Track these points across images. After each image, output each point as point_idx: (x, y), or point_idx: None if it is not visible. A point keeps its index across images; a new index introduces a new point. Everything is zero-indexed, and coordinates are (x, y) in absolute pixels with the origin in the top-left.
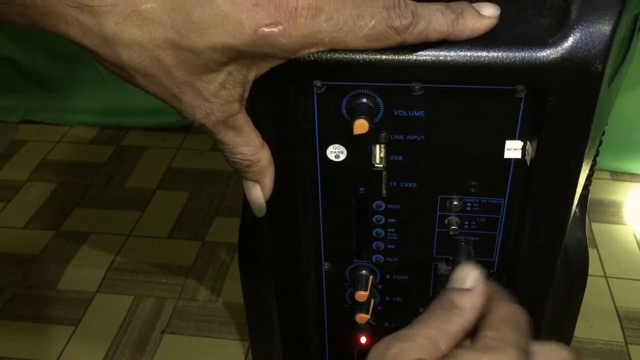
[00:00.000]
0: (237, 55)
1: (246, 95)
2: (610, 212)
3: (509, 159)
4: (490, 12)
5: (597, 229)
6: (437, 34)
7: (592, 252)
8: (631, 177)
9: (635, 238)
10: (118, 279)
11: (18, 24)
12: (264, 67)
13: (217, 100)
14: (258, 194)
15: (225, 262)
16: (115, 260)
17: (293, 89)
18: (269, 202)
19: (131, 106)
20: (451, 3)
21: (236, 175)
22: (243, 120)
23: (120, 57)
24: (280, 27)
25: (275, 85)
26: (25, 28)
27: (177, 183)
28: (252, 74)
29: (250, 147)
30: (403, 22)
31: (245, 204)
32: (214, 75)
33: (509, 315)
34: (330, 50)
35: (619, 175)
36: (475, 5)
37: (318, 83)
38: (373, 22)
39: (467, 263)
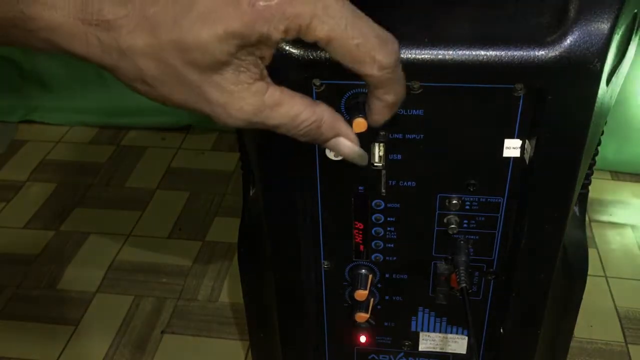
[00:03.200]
0: (240, 43)
1: (266, 73)
2: (610, 212)
3: (508, 158)
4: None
5: (597, 229)
6: (395, 96)
7: (592, 252)
8: (631, 177)
9: (635, 238)
10: (118, 279)
11: (38, 49)
12: (267, 53)
13: (241, 86)
14: (347, 144)
15: (225, 262)
16: (115, 260)
17: (292, 88)
18: (269, 201)
19: (131, 106)
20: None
21: (236, 175)
22: (278, 93)
23: (139, 66)
24: (276, 0)
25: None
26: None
27: (177, 183)
28: (259, 60)
29: (305, 110)
30: (385, 61)
31: (245, 203)
32: (225, 66)
33: None
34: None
35: (619, 175)
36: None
37: (317, 82)
38: (361, 40)
39: None
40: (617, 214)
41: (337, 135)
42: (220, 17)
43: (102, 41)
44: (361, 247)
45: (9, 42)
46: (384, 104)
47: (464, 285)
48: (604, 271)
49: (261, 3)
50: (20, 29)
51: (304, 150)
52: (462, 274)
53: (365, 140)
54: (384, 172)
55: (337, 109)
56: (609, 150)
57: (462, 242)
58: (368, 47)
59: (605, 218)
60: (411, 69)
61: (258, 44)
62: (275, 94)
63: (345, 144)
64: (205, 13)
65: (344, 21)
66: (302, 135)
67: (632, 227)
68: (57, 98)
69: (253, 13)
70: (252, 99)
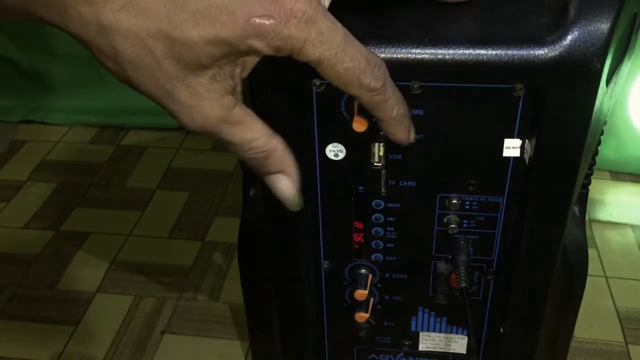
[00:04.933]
0: (228, 50)
1: (239, 89)
2: (610, 212)
3: (508, 158)
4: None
5: (597, 228)
6: (385, 115)
7: (592, 252)
8: (631, 177)
9: (635, 238)
10: (118, 279)
11: (15, 17)
12: (249, 64)
13: (211, 94)
14: (286, 184)
15: (225, 262)
16: (115, 260)
17: (292, 88)
18: (269, 201)
19: (131, 106)
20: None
21: (236, 175)
22: (242, 113)
23: (115, 45)
24: (272, 20)
25: (275, 84)
26: (21, 23)
27: (177, 183)
28: (238, 69)
29: (259, 138)
30: (372, 84)
31: (246, 203)
32: (205, 70)
33: None
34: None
35: (619, 175)
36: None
37: (317, 82)
38: (350, 65)
39: None
40: (617, 214)
41: (281, 172)
42: (213, 24)
43: (83, 14)
44: (361, 246)
45: None
46: (388, 121)
47: (464, 285)
48: (604, 271)
49: (257, 20)
50: None
51: (304, 150)
52: (462, 274)
53: (366, 140)
54: (384, 172)
55: (337, 109)
56: (609, 150)
57: (462, 241)
58: (356, 71)
59: (605, 218)
60: (411, 69)
61: (245, 54)
62: (240, 112)
63: (283, 184)
64: (198, 15)
65: (335, 46)
66: (248, 160)
67: (632, 227)
68: (57, 98)
69: (247, 27)
70: (219, 110)
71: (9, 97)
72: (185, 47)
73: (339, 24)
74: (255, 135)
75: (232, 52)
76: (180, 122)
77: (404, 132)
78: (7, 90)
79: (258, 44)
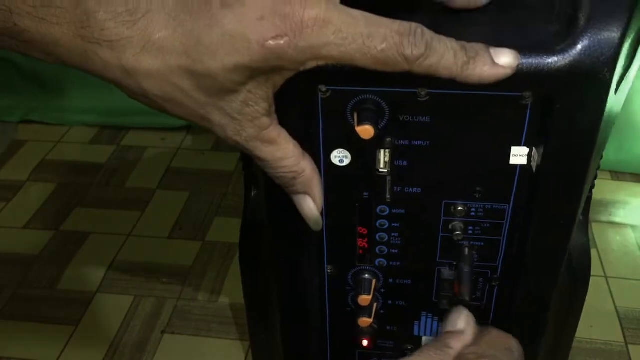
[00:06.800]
0: (251, 74)
1: (273, 109)
2: (610, 212)
3: (515, 165)
4: (507, 61)
5: (597, 229)
6: (447, 72)
7: (592, 253)
8: (632, 177)
9: (635, 238)
10: (118, 279)
11: (35, 57)
12: (279, 80)
13: (244, 117)
14: (310, 205)
15: (225, 262)
16: (115, 260)
17: (298, 94)
18: (273, 204)
19: (131, 106)
20: (470, 44)
21: (236, 175)
22: (276, 133)
23: (143, 86)
24: (286, 38)
25: (280, 90)
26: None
27: (177, 183)
28: (271, 89)
29: (290, 158)
30: (414, 52)
31: (247, 204)
32: (235, 95)
33: (495, 338)
34: (339, 65)
35: (619, 175)
36: (493, 50)
37: (323, 88)
38: (384, 45)
39: (459, 308)
40: (617, 214)
41: (307, 194)
42: (230, 53)
43: (104, 59)
44: (365, 252)
45: (5, 48)
46: (460, 72)
47: (466, 298)
48: (604, 271)
49: (271, 42)
50: (14, 39)
51: (309, 155)
52: (464, 289)
53: (371, 146)
54: (389, 178)
55: (343, 116)
56: (609, 150)
57: (466, 248)
58: (393, 48)
59: (605, 218)
60: (418, 75)
61: (271, 73)
62: (273, 133)
63: (308, 205)
64: (214, 47)
65: (359, 37)
66: (276, 177)
67: (632, 227)
68: (57, 98)
69: (263, 51)
70: (252, 130)
71: (9, 97)
72: (208, 78)
73: (355, 12)
74: (285, 154)
75: (255, 74)
76: (215, 134)
77: (482, 70)
78: (7, 90)
79: (280, 63)
